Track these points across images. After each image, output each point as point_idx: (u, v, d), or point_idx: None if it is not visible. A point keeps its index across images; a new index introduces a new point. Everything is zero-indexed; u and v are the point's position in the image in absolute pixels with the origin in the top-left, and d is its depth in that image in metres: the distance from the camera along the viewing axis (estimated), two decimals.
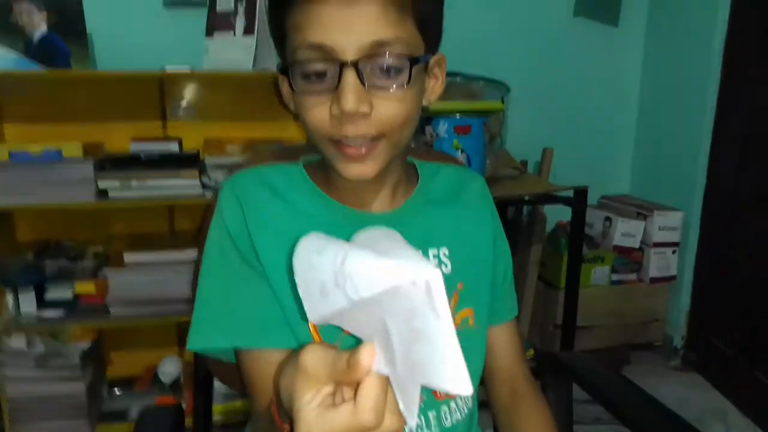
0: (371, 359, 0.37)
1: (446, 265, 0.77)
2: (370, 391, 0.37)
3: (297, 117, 0.69)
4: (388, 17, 0.61)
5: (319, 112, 0.63)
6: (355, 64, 0.60)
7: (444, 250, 0.77)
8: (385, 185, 0.74)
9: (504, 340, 0.86)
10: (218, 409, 1.82)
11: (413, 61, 0.63)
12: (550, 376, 0.96)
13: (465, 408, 0.79)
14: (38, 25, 1.67)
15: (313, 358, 0.40)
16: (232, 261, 0.70)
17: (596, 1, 2.44)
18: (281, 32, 0.65)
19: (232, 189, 0.72)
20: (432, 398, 0.76)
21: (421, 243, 0.76)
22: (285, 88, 0.71)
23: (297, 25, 0.62)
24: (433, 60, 0.70)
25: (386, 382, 0.38)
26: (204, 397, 0.95)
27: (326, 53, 0.61)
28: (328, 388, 0.40)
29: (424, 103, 0.71)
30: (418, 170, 0.82)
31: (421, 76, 0.67)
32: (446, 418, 0.76)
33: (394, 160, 0.71)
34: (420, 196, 0.79)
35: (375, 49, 0.61)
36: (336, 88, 0.61)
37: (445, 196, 0.81)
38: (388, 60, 0.62)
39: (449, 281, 0.76)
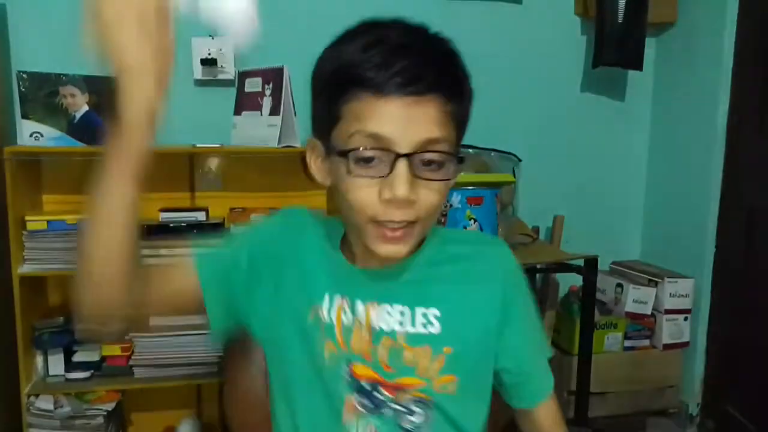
0: None
1: (434, 326, 0.78)
2: None
3: (327, 188, 0.77)
4: (439, 119, 0.69)
5: (367, 194, 0.69)
6: (408, 156, 0.68)
7: (434, 311, 0.79)
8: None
9: (542, 417, 0.87)
10: None
11: (459, 159, 0.72)
12: None
13: None
14: (80, 106, 1.81)
15: None
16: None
17: (603, 78, 2.55)
18: (333, 115, 0.71)
19: (286, 216, 0.90)
20: None
21: (411, 301, 0.79)
22: (315, 162, 0.77)
23: (357, 114, 0.68)
24: None
25: None
26: None
27: (382, 143, 0.68)
28: None
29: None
30: (429, 233, 0.82)
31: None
32: None
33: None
34: (422, 257, 0.81)
35: (426, 146, 0.69)
36: (386, 175, 0.68)
37: (451, 260, 0.82)
38: (435, 156, 0.70)
39: (436, 342, 0.78)
